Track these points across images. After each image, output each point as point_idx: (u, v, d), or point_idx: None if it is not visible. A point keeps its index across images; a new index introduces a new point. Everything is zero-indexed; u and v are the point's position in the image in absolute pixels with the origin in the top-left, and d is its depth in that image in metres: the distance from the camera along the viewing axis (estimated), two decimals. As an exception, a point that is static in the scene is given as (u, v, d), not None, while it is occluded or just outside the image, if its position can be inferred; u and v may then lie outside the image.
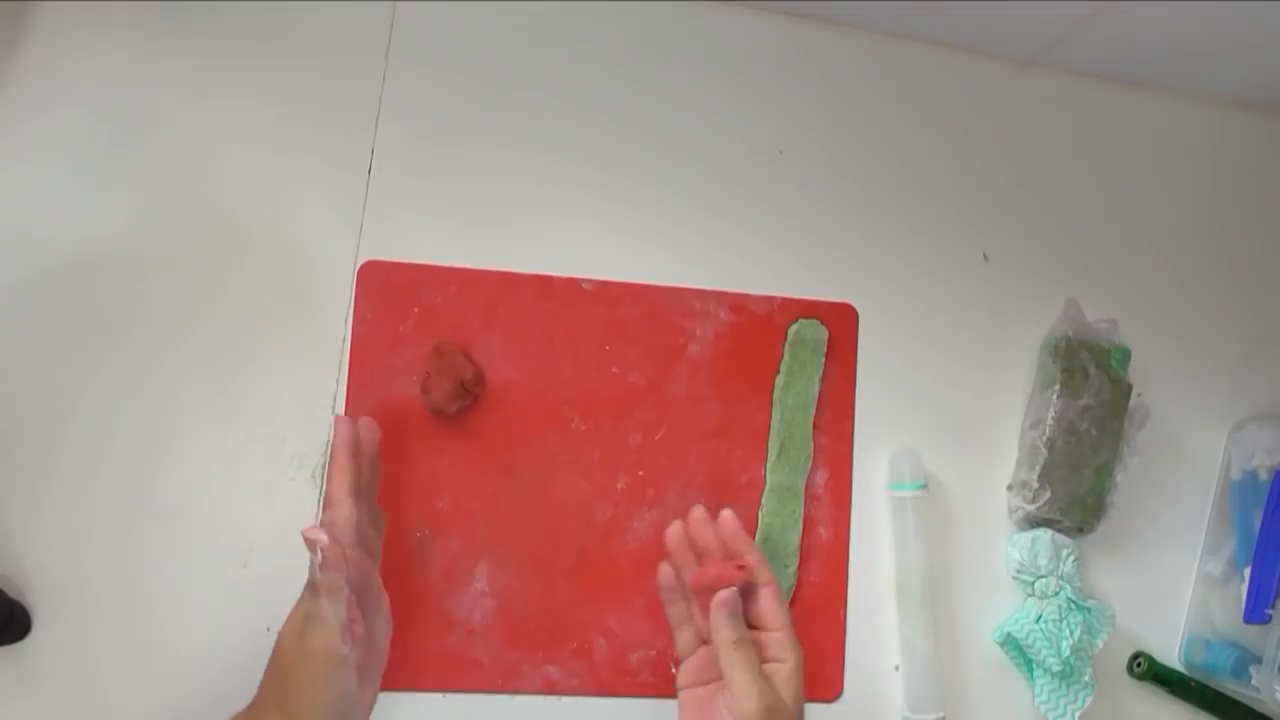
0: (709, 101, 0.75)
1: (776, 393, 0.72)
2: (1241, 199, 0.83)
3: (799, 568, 0.70)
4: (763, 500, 0.71)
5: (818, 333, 0.73)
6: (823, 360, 0.72)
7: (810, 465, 0.71)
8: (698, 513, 0.64)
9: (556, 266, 0.70)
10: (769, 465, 0.71)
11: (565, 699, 0.67)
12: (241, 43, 0.68)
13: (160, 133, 0.67)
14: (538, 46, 0.73)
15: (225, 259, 0.67)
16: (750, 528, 0.70)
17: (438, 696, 0.66)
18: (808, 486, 0.71)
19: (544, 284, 0.70)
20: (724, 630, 0.58)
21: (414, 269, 0.68)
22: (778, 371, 0.72)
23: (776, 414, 0.71)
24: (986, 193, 0.78)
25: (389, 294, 0.68)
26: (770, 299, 0.73)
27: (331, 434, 0.66)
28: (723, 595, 0.58)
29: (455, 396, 0.66)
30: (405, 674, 0.65)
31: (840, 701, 0.71)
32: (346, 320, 0.67)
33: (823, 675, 0.70)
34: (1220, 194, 0.83)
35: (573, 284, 0.71)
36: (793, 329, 0.72)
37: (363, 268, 0.68)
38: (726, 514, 0.63)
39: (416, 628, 0.65)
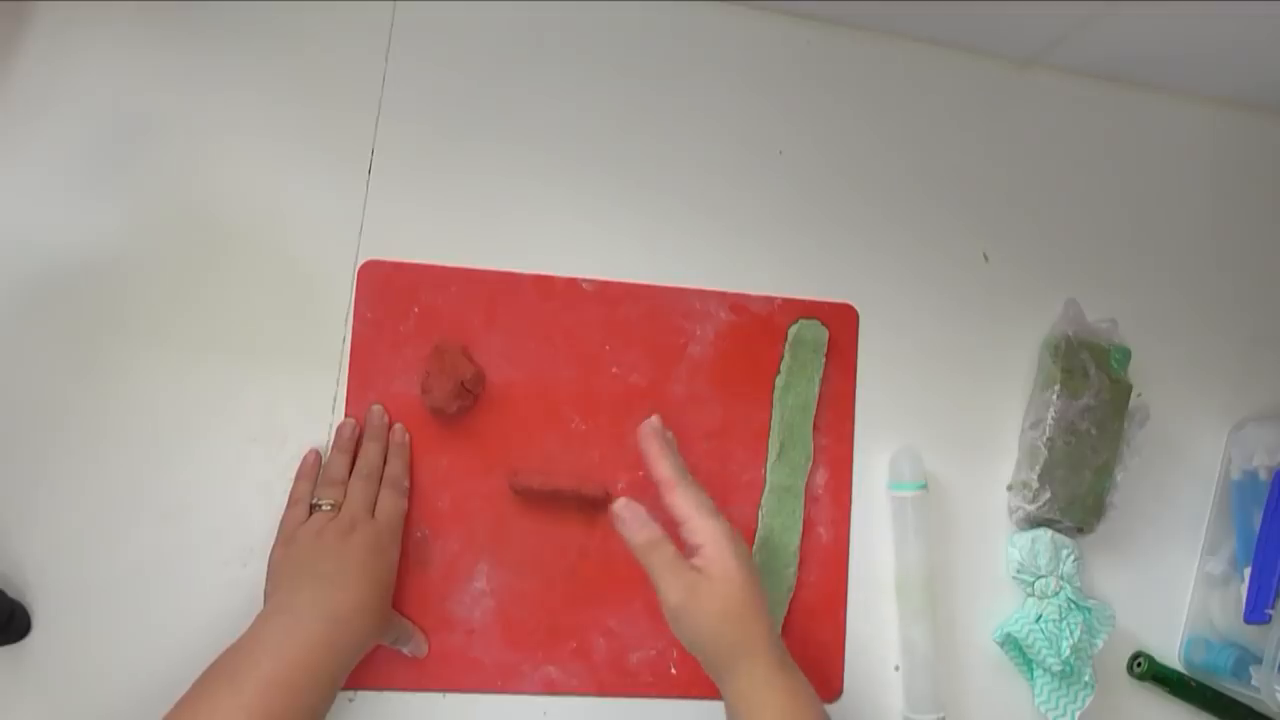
0: (709, 101, 0.75)
1: (776, 393, 0.72)
2: (1241, 199, 0.83)
3: (799, 568, 0.70)
4: (763, 501, 0.71)
5: (818, 333, 0.73)
6: (823, 361, 0.72)
7: (810, 466, 0.71)
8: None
9: (557, 266, 0.70)
10: (769, 466, 0.71)
11: (565, 699, 0.67)
12: (241, 43, 0.68)
13: (160, 133, 0.67)
14: (538, 46, 0.73)
15: (225, 259, 0.67)
16: (751, 528, 0.70)
17: (438, 696, 0.66)
18: (808, 487, 0.71)
19: (544, 284, 0.70)
20: (628, 539, 0.60)
21: (414, 269, 0.68)
22: (778, 372, 0.72)
23: (776, 414, 0.71)
24: (986, 193, 0.78)
25: (389, 294, 0.68)
26: (770, 299, 0.73)
27: (333, 435, 0.66)
28: (612, 509, 0.60)
29: (455, 396, 0.66)
30: (405, 674, 0.65)
31: (840, 701, 0.70)
32: (346, 320, 0.67)
33: (823, 675, 0.70)
34: (1220, 194, 0.83)
35: (573, 284, 0.71)
36: (793, 329, 0.72)
37: (363, 268, 0.68)
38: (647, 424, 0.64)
39: (417, 627, 0.65)
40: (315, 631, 0.57)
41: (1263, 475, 0.75)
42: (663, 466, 0.61)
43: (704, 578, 0.57)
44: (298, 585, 0.60)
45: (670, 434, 0.66)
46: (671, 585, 0.58)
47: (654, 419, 0.64)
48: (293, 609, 0.59)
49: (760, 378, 0.72)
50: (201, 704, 0.54)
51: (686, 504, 0.60)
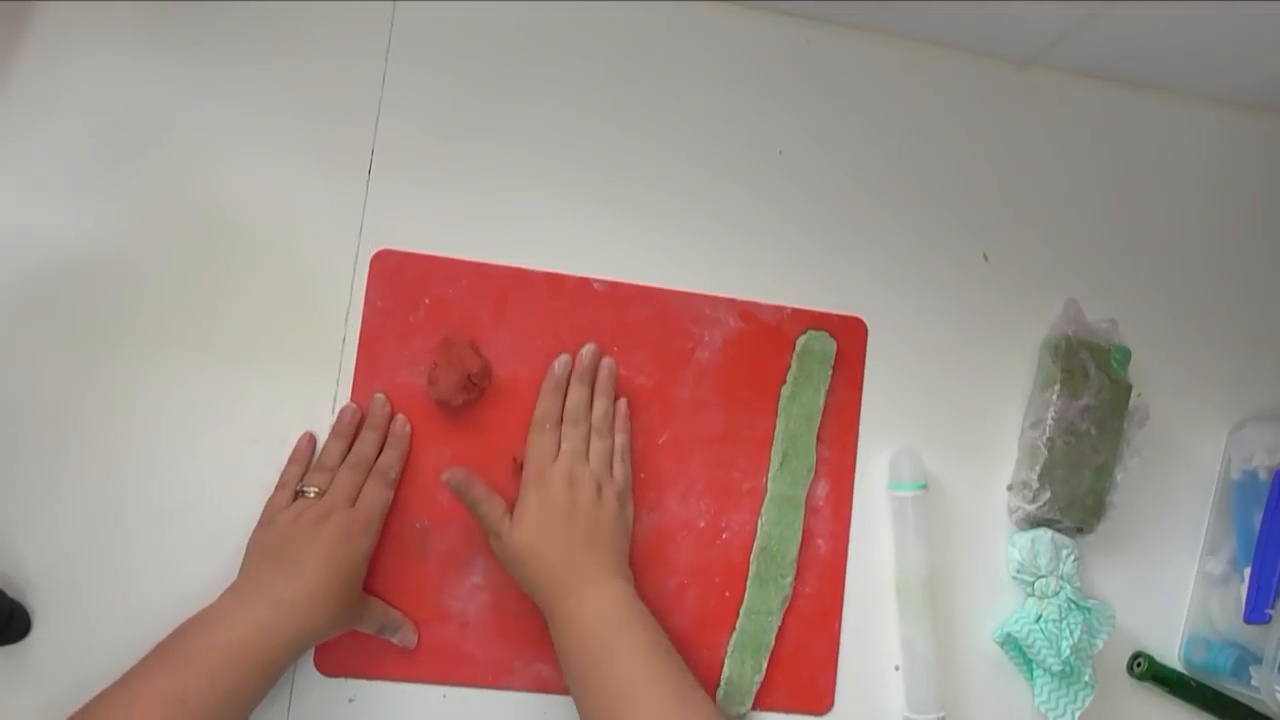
0: (708, 102, 0.74)
1: (782, 403, 0.71)
2: (1241, 199, 0.83)
3: (795, 578, 0.70)
4: (763, 510, 0.70)
5: (826, 345, 0.72)
6: (830, 373, 0.72)
7: (812, 477, 0.71)
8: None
9: (565, 266, 0.70)
10: (770, 475, 0.71)
11: (556, 697, 0.67)
12: (242, 44, 0.68)
13: (161, 134, 0.67)
14: (538, 47, 0.72)
15: (225, 260, 0.67)
16: (750, 536, 0.70)
17: (431, 689, 0.66)
18: (808, 498, 0.71)
19: (555, 282, 0.70)
20: (462, 499, 0.64)
21: (426, 260, 0.69)
22: (784, 382, 0.72)
23: (781, 424, 0.71)
24: (986, 193, 0.78)
25: (401, 283, 0.68)
26: (780, 309, 0.73)
27: (335, 418, 0.66)
28: (441, 478, 0.64)
29: (461, 389, 0.66)
30: (395, 664, 0.65)
31: (830, 715, 0.71)
32: (346, 322, 0.68)
33: (814, 686, 0.70)
34: (1220, 193, 0.83)
35: (584, 283, 0.70)
36: (801, 340, 0.72)
37: (376, 256, 0.68)
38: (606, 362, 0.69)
39: (410, 618, 0.65)
40: (253, 616, 0.57)
41: (1262, 475, 0.75)
42: (537, 407, 0.67)
43: (510, 527, 0.62)
44: (257, 569, 0.60)
45: (609, 361, 0.68)
46: (493, 535, 0.63)
47: (588, 346, 0.68)
48: (240, 591, 0.59)
49: (766, 386, 0.72)
50: (134, 680, 0.55)
51: (528, 448, 0.65)
